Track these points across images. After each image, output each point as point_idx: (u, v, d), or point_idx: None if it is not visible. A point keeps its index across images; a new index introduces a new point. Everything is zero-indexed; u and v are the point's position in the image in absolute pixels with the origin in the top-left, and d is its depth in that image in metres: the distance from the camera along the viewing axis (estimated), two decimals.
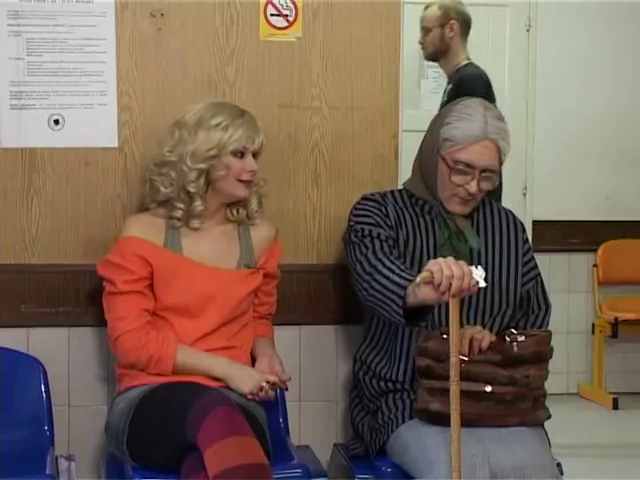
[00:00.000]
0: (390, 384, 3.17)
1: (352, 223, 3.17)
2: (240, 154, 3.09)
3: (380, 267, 2.97)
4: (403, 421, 3.08)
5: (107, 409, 3.26)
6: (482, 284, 2.79)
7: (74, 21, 3.26)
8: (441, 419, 2.93)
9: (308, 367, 3.45)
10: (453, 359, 2.78)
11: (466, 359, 2.92)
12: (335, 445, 3.42)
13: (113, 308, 3.10)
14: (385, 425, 3.11)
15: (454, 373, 2.78)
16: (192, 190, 3.09)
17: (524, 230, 3.31)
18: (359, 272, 3.05)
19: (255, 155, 3.12)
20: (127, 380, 3.12)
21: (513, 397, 3.00)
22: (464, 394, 2.83)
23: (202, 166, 3.08)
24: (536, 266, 3.28)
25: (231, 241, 3.19)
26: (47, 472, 2.94)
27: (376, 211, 3.15)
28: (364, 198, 3.21)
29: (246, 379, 3.06)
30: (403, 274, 2.92)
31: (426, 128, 3.20)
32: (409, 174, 3.30)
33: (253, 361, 3.23)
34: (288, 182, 3.39)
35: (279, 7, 3.37)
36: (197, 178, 3.09)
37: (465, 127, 3.06)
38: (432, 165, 3.12)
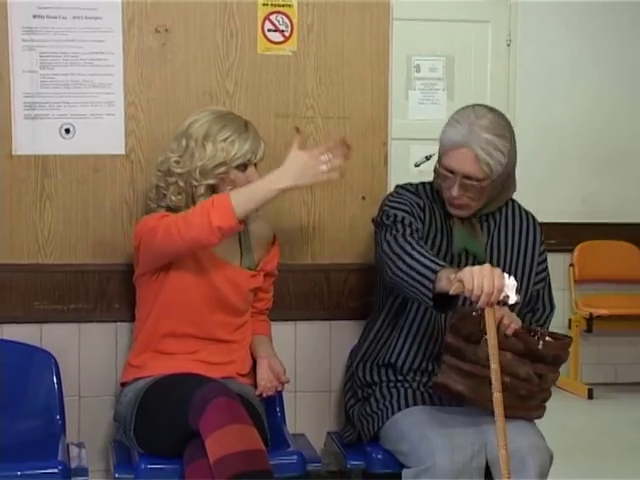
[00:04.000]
0: (383, 369, 3.14)
1: (386, 208, 3.09)
2: (244, 167, 3.07)
3: (409, 249, 2.89)
4: (399, 409, 3.04)
5: (115, 399, 3.26)
6: (513, 299, 2.68)
7: (84, 36, 3.26)
8: (460, 399, 2.88)
9: (303, 360, 3.45)
10: (493, 366, 2.67)
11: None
12: (329, 433, 3.42)
13: (158, 225, 2.99)
14: (379, 412, 3.08)
15: (495, 378, 2.66)
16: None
17: (542, 233, 3.23)
18: (386, 251, 2.95)
19: (256, 165, 3.10)
20: (134, 371, 3.13)
21: (527, 393, 2.93)
22: (486, 380, 2.73)
23: (211, 181, 3.06)
24: (547, 268, 3.22)
25: (233, 245, 3.18)
26: (59, 458, 2.93)
27: (412, 202, 3.10)
28: (401, 187, 3.16)
29: (305, 172, 2.92)
30: (434, 259, 2.84)
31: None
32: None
33: (253, 359, 3.23)
34: None
35: (276, 23, 3.37)
36: (205, 192, 3.06)
37: (449, 132, 3.01)
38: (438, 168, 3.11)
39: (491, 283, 2.65)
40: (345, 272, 3.45)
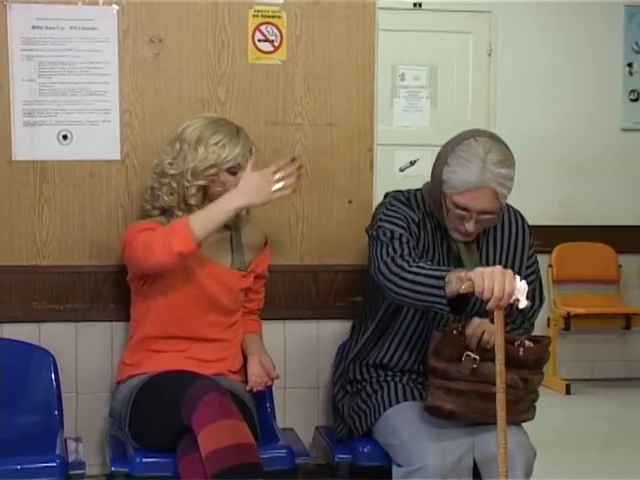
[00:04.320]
0: (372, 368, 3.11)
1: (382, 223, 2.97)
2: (235, 170, 3.07)
3: (407, 266, 2.79)
4: (390, 404, 3.01)
5: (110, 396, 3.26)
6: (523, 303, 2.57)
7: (81, 46, 3.26)
8: (452, 418, 2.85)
9: (292, 358, 3.45)
10: (499, 367, 2.58)
11: (477, 358, 2.78)
12: (317, 428, 3.42)
13: (135, 238, 3.00)
14: (371, 407, 3.05)
15: (500, 380, 2.58)
16: (192, 202, 3.07)
17: (531, 233, 3.15)
18: (383, 272, 2.85)
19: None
20: (129, 369, 3.12)
21: (515, 398, 2.84)
22: (476, 394, 2.75)
23: (202, 182, 3.06)
24: (537, 266, 3.14)
25: (225, 247, 3.18)
26: (57, 452, 2.94)
27: (407, 216, 2.98)
28: (394, 198, 3.04)
29: (259, 191, 2.95)
30: (436, 267, 2.78)
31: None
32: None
33: (244, 357, 3.22)
34: None
35: (266, 33, 3.38)
36: (196, 192, 3.07)
37: (461, 173, 2.85)
38: (437, 194, 2.97)
39: (501, 287, 2.56)
40: (332, 273, 3.45)
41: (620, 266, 6.75)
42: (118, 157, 3.31)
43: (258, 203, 3.00)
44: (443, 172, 2.91)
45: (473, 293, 2.65)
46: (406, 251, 2.89)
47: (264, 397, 3.30)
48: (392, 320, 3.10)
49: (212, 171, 3.04)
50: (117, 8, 3.27)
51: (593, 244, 6.70)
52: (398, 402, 3.02)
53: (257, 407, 3.14)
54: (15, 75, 3.23)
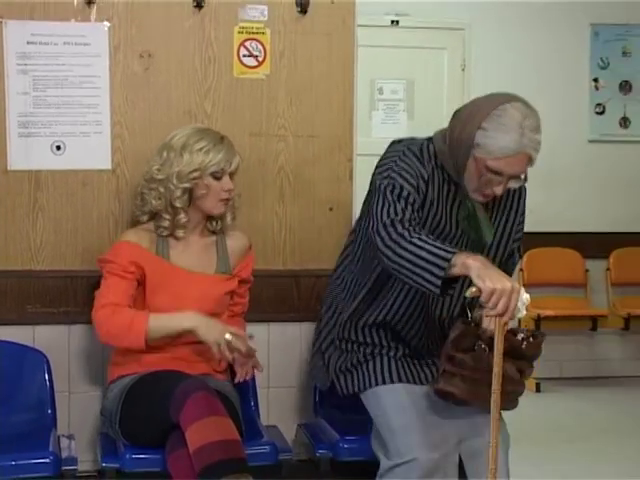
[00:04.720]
0: (374, 328, 2.97)
1: (394, 174, 2.79)
2: (219, 175, 3.10)
3: (407, 236, 2.65)
4: (383, 382, 2.92)
5: (102, 395, 3.26)
6: (522, 314, 2.56)
7: (73, 61, 3.27)
8: (460, 404, 2.81)
9: (276, 358, 3.45)
10: (496, 369, 2.57)
11: (487, 349, 2.73)
12: (299, 425, 3.43)
13: (99, 288, 3.08)
14: (363, 375, 2.95)
15: (496, 382, 2.58)
16: (178, 205, 3.10)
17: (526, 193, 3.06)
18: (382, 236, 2.69)
19: (231, 175, 3.12)
20: (119, 369, 3.13)
21: (512, 389, 2.82)
22: (483, 382, 2.69)
23: (186, 185, 3.08)
24: (523, 225, 3.07)
25: (210, 251, 3.20)
26: (50, 449, 2.95)
27: (418, 173, 2.80)
28: (410, 150, 2.85)
29: (211, 329, 3.01)
30: (441, 246, 2.62)
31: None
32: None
33: None
34: (258, 200, 3.40)
35: (250, 49, 3.39)
36: (182, 195, 3.09)
37: (500, 139, 2.72)
38: (462, 156, 2.78)
39: (506, 305, 2.51)
40: (314, 278, 3.47)
41: (587, 270, 6.79)
42: (109, 167, 3.32)
43: (206, 335, 3.00)
44: (477, 136, 2.74)
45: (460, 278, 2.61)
46: (408, 215, 2.73)
47: (249, 395, 3.32)
48: (390, 276, 2.88)
49: (196, 174, 3.07)
50: (108, 25, 3.29)
51: (562, 249, 6.73)
52: (392, 381, 2.91)
53: (242, 405, 3.15)
54: (10, 88, 3.24)
